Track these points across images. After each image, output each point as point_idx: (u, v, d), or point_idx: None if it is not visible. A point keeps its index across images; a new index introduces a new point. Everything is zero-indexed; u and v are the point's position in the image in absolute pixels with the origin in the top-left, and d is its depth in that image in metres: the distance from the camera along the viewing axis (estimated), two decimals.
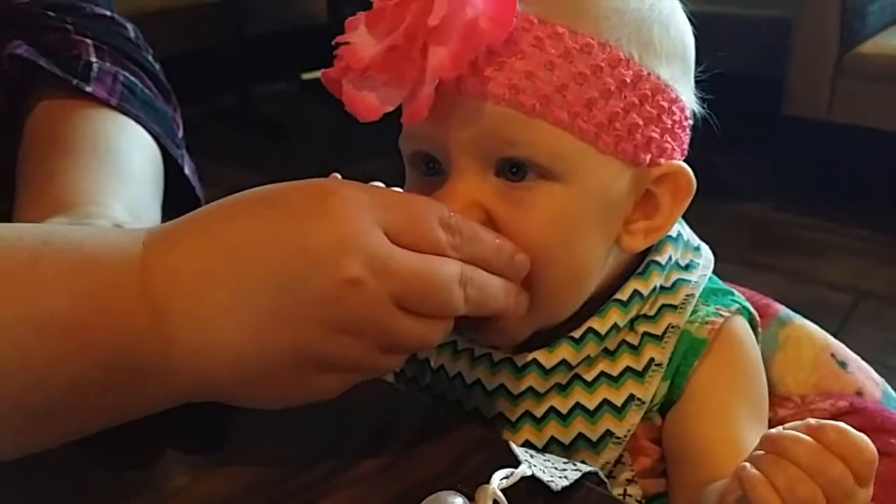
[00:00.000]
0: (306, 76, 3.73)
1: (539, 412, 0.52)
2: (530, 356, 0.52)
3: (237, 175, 2.72)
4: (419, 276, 0.42)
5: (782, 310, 0.62)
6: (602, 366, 0.52)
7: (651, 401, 0.51)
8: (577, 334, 0.52)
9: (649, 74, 0.49)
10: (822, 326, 0.63)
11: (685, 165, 0.51)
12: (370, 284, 0.40)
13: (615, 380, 0.51)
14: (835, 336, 0.62)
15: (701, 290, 0.54)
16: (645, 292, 0.52)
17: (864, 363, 0.61)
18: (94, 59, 0.70)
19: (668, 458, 0.53)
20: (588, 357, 0.52)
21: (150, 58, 0.76)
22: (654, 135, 0.49)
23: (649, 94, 0.49)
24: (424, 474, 0.45)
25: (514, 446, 0.45)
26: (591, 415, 0.51)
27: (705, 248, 0.57)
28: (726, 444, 0.50)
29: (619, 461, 0.52)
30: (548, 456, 0.47)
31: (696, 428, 0.51)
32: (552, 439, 0.52)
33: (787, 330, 0.61)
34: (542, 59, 0.46)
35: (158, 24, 3.05)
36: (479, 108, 0.46)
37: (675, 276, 0.54)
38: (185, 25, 3.15)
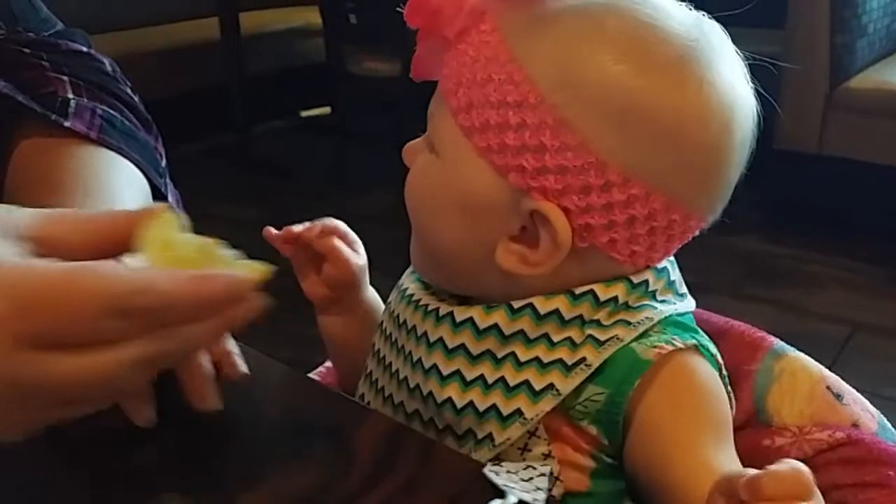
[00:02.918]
0: (305, 114, 3.78)
1: (469, 375, 0.55)
2: (468, 313, 0.55)
3: (237, 211, 2.75)
4: (81, 382, 0.39)
5: (776, 342, 0.63)
6: (539, 351, 0.53)
7: (584, 405, 0.52)
8: (516, 304, 0.54)
9: (541, 105, 0.50)
10: (816, 358, 0.63)
11: (559, 217, 0.51)
12: (27, 403, 0.39)
13: (544, 366, 0.53)
14: (829, 368, 0.63)
15: (663, 318, 0.54)
16: (602, 296, 0.53)
17: (858, 395, 0.62)
18: (70, 95, 0.70)
19: (643, 487, 0.53)
20: (522, 333, 0.53)
21: (129, 90, 0.77)
22: (528, 165, 0.50)
23: (531, 123, 0.50)
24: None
25: (491, 475, 0.47)
26: (510, 390, 0.53)
27: (690, 299, 0.58)
28: (700, 471, 0.49)
29: (533, 434, 0.53)
30: (508, 467, 0.49)
31: (660, 463, 0.51)
32: (470, 403, 0.54)
33: (781, 363, 0.61)
34: (462, 54, 0.53)
35: (159, 64, 3.10)
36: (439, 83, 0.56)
37: (643, 302, 0.54)
38: (186, 64, 3.19)
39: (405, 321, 0.59)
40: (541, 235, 0.52)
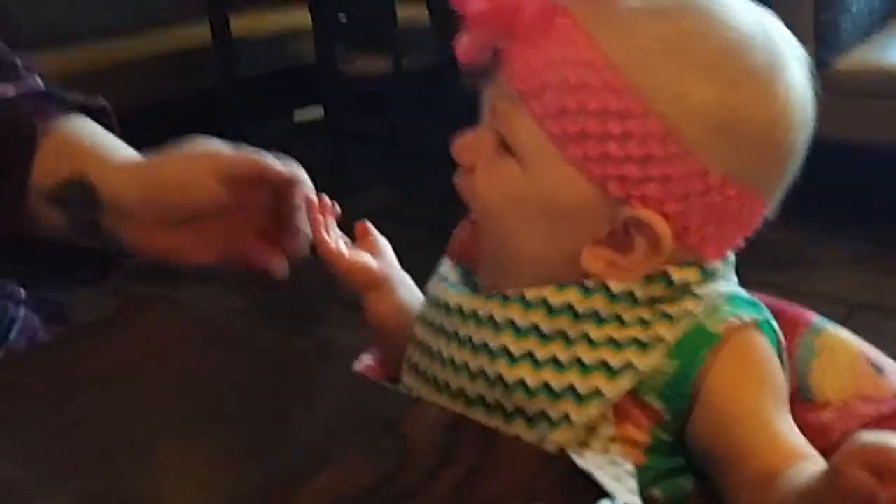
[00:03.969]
0: (298, 116, 3.76)
1: (541, 355, 0.54)
2: (541, 292, 0.55)
3: None
4: None
5: (815, 317, 0.63)
6: (611, 329, 0.53)
7: (653, 377, 0.53)
8: (589, 284, 0.54)
9: (647, 115, 0.50)
10: None
11: (661, 224, 0.52)
12: None
13: (618, 345, 0.53)
14: None
15: (729, 294, 0.55)
16: (675, 279, 0.54)
17: None
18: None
19: (709, 462, 0.54)
20: (596, 313, 0.54)
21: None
22: (631, 175, 0.51)
23: (637, 133, 0.51)
24: (492, 496, 0.46)
25: (592, 473, 0.47)
26: (586, 369, 0.53)
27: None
28: (768, 439, 0.51)
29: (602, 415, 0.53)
30: (594, 461, 0.49)
31: (732, 431, 0.52)
32: (545, 384, 0.54)
33: (821, 338, 0.62)
34: (546, 55, 0.52)
35: (150, 69, 3.08)
36: (499, 78, 0.55)
37: (708, 282, 0.55)
38: (177, 69, 3.18)
39: (459, 307, 0.59)
40: (635, 241, 0.53)
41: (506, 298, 0.56)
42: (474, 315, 0.58)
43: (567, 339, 0.54)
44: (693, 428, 0.54)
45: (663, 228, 0.52)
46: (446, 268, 0.64)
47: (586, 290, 0.54)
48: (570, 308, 0.54)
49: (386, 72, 2.78)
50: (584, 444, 0.53)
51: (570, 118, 0.51)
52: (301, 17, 3.34)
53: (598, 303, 0.54)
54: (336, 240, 0.65)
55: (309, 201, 0.65)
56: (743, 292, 0.57)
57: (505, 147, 0.55)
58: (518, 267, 0.57)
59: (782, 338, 0.56)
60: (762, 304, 0.57)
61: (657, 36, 0.52)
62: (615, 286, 0.54)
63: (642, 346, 0.53)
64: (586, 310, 0.54)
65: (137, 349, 0.64)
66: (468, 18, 0.54)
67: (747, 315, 0.54)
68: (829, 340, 0.62)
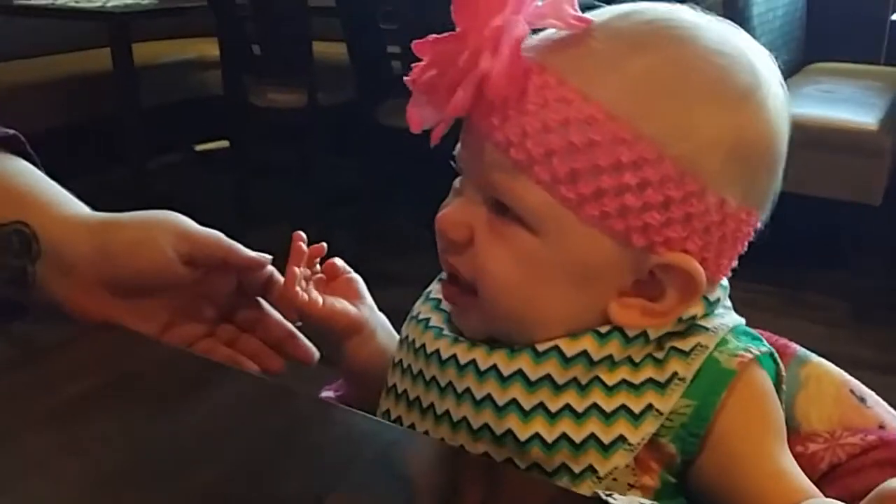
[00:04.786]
0: (200, 147, 3.66)
1: (554, 406, 0.51)
2: (553, 342, 0.51)
3: None
4: None
5: (799, 349, 0.62)
6: (624, 373, 0.51)
7: (670, 419, 0.50)
8: (603, 329, 0.51)
9: (661, 160, 0.48)
10: None
11: (693, 264, 0.50)
12: None
13: (636, 388, 0.51)
14: None
15: (734, 326, 0.54)
16: (684, 315, 0.52)
17: (878, 398, 0.62)
18: None
19: (710, 500, 0.52)
20: (610, 358, 0.51)
21: None
22: (653, 222, 0.49)
23: (654, 180, 0.48)
24: None
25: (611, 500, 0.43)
26: (607, 417, 0.50)
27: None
28: (774, 480, 0.50)
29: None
30: (620, 500, 0.46)
31: (738, 473, 0.51)
32: (563, 436, 0.50)
33: (806, 369, 0.61)
34: (542, 120, 0.48)
35: (49, 95, 2.94)
36: (483, 148, 0.51)
37: (713, 314, 0.54)
38: (77, 96, 3.05)
39: (453, 357, 0.54)
40: (666, 286, 0.51)
41: (512, 350, 0.52)
42: (472, 366, 0.53)
43: (581, 387, 0.51)
44: (699, 469, 0.51)
45: (696, 268, 0.50)
46: (426, 309, 0.59)
47: (601, 336, 0.51)
48: (585, 355, 0.51)
49: (300, 104, 2.73)
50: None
51: (582, 180, 0.48)
52: (206, 48, 3.29)
53: (614, 348, 0.51)
54: (308, 288, 0.60)
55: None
56: (742, 322, 0.55)
57: (503, 215, 0.51)
58: (537, 329, 0.52)
59: (783, 370, 0.55)
60: (761, 337, 0.55)
61: (646, 70, 0.49)
62: (630, 329, 0.51)
63: (660, 386, 0.50)
64: (602, 356, 0.51)
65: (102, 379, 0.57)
66: (416, 87, 0.51)
67: (756, 349, 0.52)
68: (815, 371, 0.61)
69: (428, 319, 0.58)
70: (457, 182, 0.56)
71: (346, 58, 2.83)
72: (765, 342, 0.54)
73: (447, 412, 0.54)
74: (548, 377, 0.51)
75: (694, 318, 0.52)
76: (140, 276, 0.62)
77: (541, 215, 0.50)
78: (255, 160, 3.22)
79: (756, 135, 0.51)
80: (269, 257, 0.66)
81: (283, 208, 2.91)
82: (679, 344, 0.51)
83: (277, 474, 0.48)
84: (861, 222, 2.50)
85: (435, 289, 0.60)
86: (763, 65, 0.53)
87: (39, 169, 0.70)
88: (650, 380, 0.51)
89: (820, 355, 0.62)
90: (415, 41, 0.51)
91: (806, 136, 2.47)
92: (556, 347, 0.51)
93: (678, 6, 0.53)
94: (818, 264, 2.57)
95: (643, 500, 0.47)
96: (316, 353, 0.66)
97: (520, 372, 0.51)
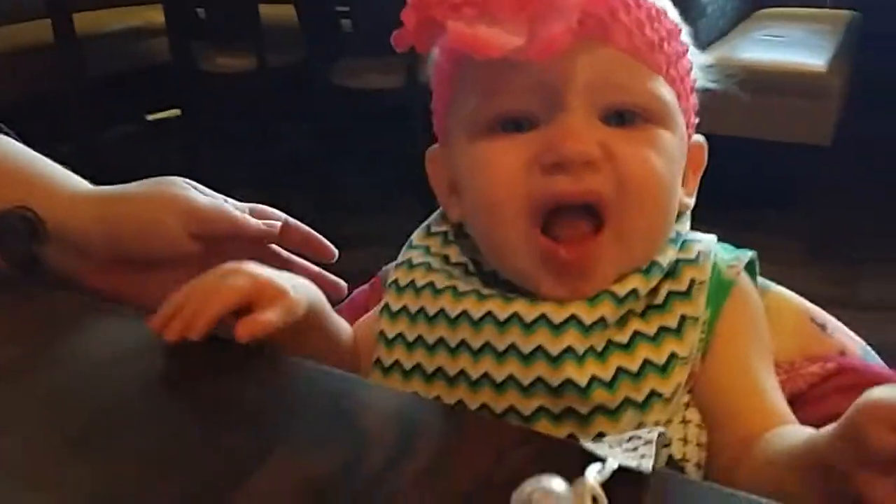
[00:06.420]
0: (151, 117, 3.59)
1: (601, 345, 0.51)
2: (569, 311, 0.51)
3: None
4: None
5: (759, 279, 0.63)
6: (635, 325, 0.52)
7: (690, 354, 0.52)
8: (620, 292, 0.52)
9: (687, 51, 0.55)
10: None
11: (702, 139, 0.56)
12: None
13: (653, 339, 0.52)
14: None
15: (712, 247, 0.56)
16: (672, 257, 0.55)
17: (839, 323, 0.63)
18: None
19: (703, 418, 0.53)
20: (621, 318, 0.52)
21: None
22: (693, 105, 0.55)
23: (689, 66, 0.55)
24: (461, 481, 0.42)
25: (584, 443, 0.43)
26: (653, 339, 0.51)
27: None
28: (753, 398, 0.52)
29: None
30: (608, 439, 0.46)
31: (721, 381, 0.53)
32: (620, 370, 0.51)
33: (766, 300, 0.61)
34: (647, 11, 0.52)
35: None
36: (597, 52, 0.50)
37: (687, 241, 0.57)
38: (18, 69, 2.95)
39: (488, 315, 0.52)
40: (686, 169, 0.56)
41: (527, 326, 0.52)
42: (515, 320, 0.52)
43: (619, 322, 0.52)
44: (698, 379, 0.53)
45: (703, 145, 0.58)
46: (421, 275, 0.57)
47: (618, 300, 0.52)
48: (634, 293, 0.52)
49: (250, 68, 2.69)
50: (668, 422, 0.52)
51: (679, 63, 0.54)
52: (151, 15, 3.19)
53: (631, 306, 0.53)
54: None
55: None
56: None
57: (629, 124, 0.52)
58: (664, 236, 0.55)
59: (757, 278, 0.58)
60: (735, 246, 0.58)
61: None
62: (643, 286, 0.53)
63: (675, 332, 0.52)
64: (650, 288, 0.53)
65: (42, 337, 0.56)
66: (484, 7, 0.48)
67: (744, 257, 0.56)
68: (774, 301, 0.62)
69: (431, 283, 0.56)
70: (493, 132, 0.53)
71: (295, 18, 2.78)
72: (743, 249, 0.57)
73: (486, 374, 0.52)
74: (601, 320, 0.51)
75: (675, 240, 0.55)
76: (150, 255, 0.62)
77: (664, 102, 0.52)
78: (207, 127, 3.16)
79: None
80: (279, 225, 0.65)
81: (239, 175, 2.87)
82: (673, 286, 0.54)
83: (222, 429, 0.47)
84: (812, 163, 2.53)
85: (414, 254, 0.59)
86: None
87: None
88: (663, 328, 0.52)
89: None
90: None
91: (757, 80, 2.49)
92: (574, 316, 0.51)
93: None
94: (771, 205, 2.61)
95: (639, 436, 0.46)
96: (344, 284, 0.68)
97: (574, 318, 0.51)
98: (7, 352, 0.54)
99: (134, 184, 0.64)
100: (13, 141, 0.67)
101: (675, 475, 0.45)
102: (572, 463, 0.40)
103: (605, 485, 0.38)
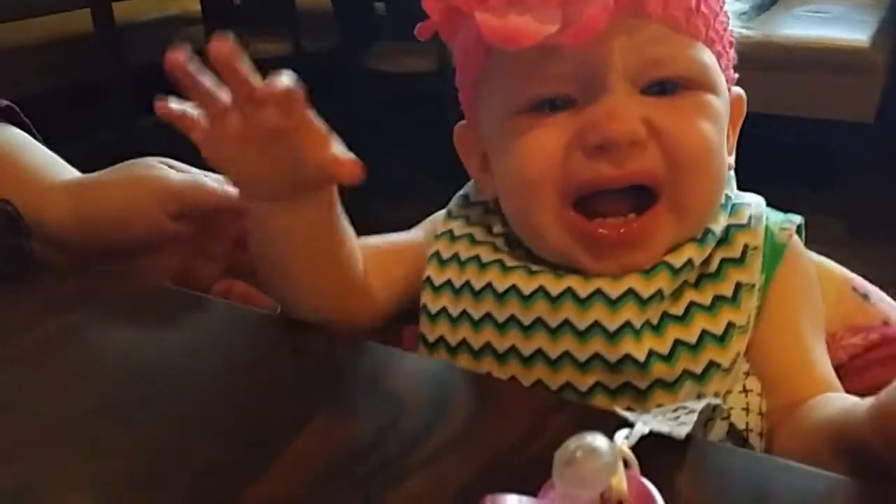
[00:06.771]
0: None
1: (641, 355, 0.49)
2: (626, 284, 0.50)
3: None
4: None
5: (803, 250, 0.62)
6: (690, 296, 0.51)
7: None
8: (676, 263, 0.51)
9: (723, 7, 0.54)
10: None
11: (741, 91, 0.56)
12: None
13: (709, 309, 0.51)
14: None
15: (763, 209, 0.56)
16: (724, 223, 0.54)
17: (882, 293, 0.62)
18: None
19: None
20: (676, 290, 0.51)
21: None
22: (731, 61, 0.55)
23: (726, 22, 0.54)
24: (496, 446, 0.42)
25: (620, 410, 0.42)
26: (708, 309, 0.50)
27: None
28: (801, 365, 0.52)
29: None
30: (655, 411, 0.45)
31: (771, 345, 0.52)
32: (678, 342, 0.50)
33: None
34: None
35: (31, 59, 2.90)
36: (632, 27, 0.49)
37: (736, 205, 0.56)
38: (60, 59, 3.00)
39: (540, 290, 0.51)
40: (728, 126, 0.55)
41: (582, 301, 0.51)
42: (571, 295, 0.51)
43: (674, 294, 0.51)
44: (752, 342, 0.52)
45: (743, 97, 0.57)
46: (464, 248, 0.56)
47: (674, 271, 0.51)
48: (690, 263, 0.52)
49: (285, 54, 2.70)
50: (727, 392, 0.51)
51: (719, 15, 0.52)
52: (187, 4, 3.22)
53: (686, 276, 0.52)
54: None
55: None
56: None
57: (671, 93, 0.50)
58: (719, 200, 0.54)
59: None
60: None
61: None
62: (697, 255, 0.52)
63: (731, 300, 0.51)
64: (704, 257, 0.53)
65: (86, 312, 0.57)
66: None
67: (795, 220, 0.56)
68: (817, 271, 0.60)
69: (477, 257, 0.55)
70: (529, 113, 0.51)
71: (330, 3, 2.79)
72: (790, 214, 0.57)
73: (539, 351, 0.51)
74: (658, 292, 0.50)
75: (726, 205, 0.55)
76: (130, 241, 0.61)
77: (707, 66, 0.51)
78: None
79: None
80: None
81: None
82: (727, 253, 0.53)
83: (259, 399, 0.48)
84: (855, 141, 2.48)
85: (455, 225, 0.58)
86: None
87: (36, 138, 0.68)
88: (718, 297, 0.51)
89: None
90: None
91: (799, 57, 2.46)
92: (631, 290, 0.50)
93: None
94: (813, 184, 2.56)
95: (685, 406, 0.45)
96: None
97: (631, 292, 0.50)
98: (46, 325, 0.56)
99: (107, 170, 0.63)
100: (10, 128, 0.66)
101: (709, 443, 0.45)
102: (608, 430, 0.40)
103: (639, 450, 0.38)
